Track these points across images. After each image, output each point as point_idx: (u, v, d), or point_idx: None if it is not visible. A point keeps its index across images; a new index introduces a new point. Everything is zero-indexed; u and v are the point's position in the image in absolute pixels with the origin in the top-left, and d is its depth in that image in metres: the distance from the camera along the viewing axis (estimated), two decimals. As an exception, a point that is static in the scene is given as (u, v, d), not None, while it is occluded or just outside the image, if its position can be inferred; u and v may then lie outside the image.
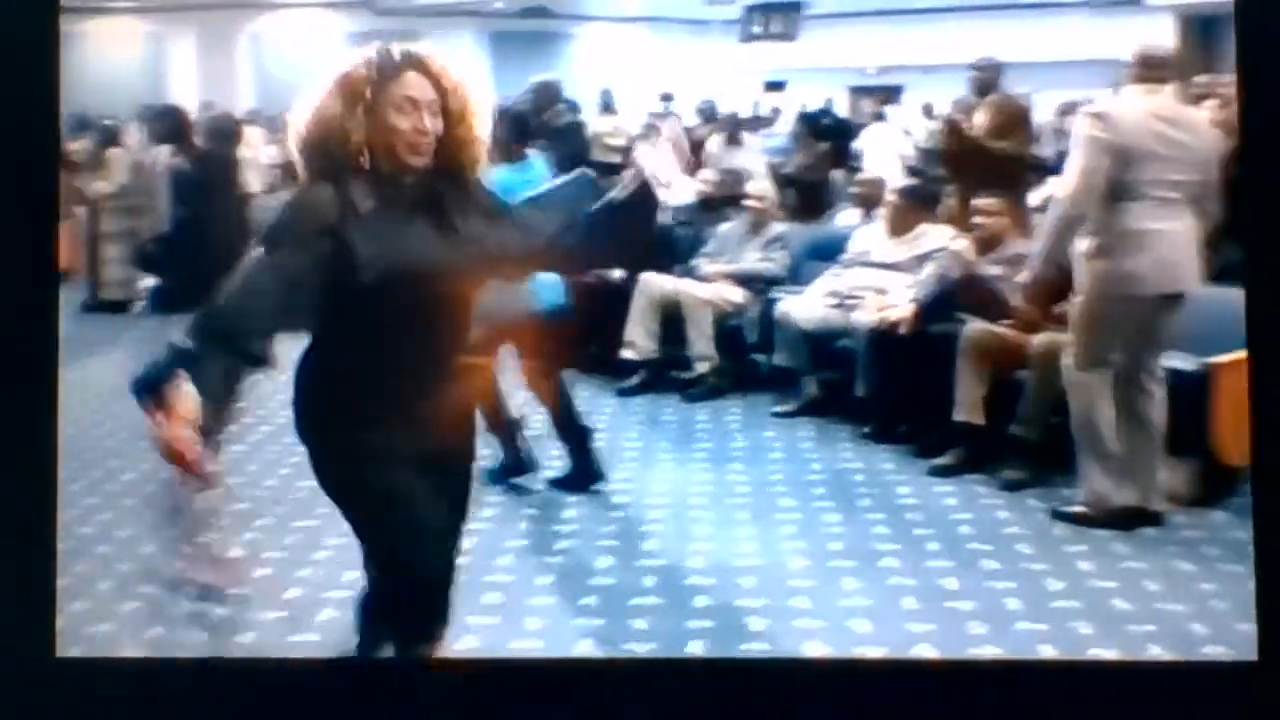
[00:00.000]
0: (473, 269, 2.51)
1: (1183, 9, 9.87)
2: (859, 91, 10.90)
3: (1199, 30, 10.03)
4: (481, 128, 2.52)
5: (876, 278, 5.55)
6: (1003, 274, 5.05)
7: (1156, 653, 3.46)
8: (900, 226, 5.66)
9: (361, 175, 2.42)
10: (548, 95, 7.15)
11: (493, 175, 4.66)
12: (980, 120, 5.84)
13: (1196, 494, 4.45)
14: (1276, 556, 2.97)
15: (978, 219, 5.30)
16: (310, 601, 3.78)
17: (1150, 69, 4.26)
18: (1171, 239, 4.21)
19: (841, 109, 10.43)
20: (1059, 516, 4.36)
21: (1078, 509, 4.33)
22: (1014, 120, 5.80)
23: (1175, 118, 4.26)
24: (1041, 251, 4.41)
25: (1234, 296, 4.89)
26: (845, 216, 6.68)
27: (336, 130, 2.43)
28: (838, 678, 3.12)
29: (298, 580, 3.95)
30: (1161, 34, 9.36)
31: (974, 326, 4.92)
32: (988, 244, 5.25)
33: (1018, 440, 4.72)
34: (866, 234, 5.86)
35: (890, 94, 10.36)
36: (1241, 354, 4.58)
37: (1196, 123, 4.38)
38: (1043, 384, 4.63)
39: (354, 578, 2.86)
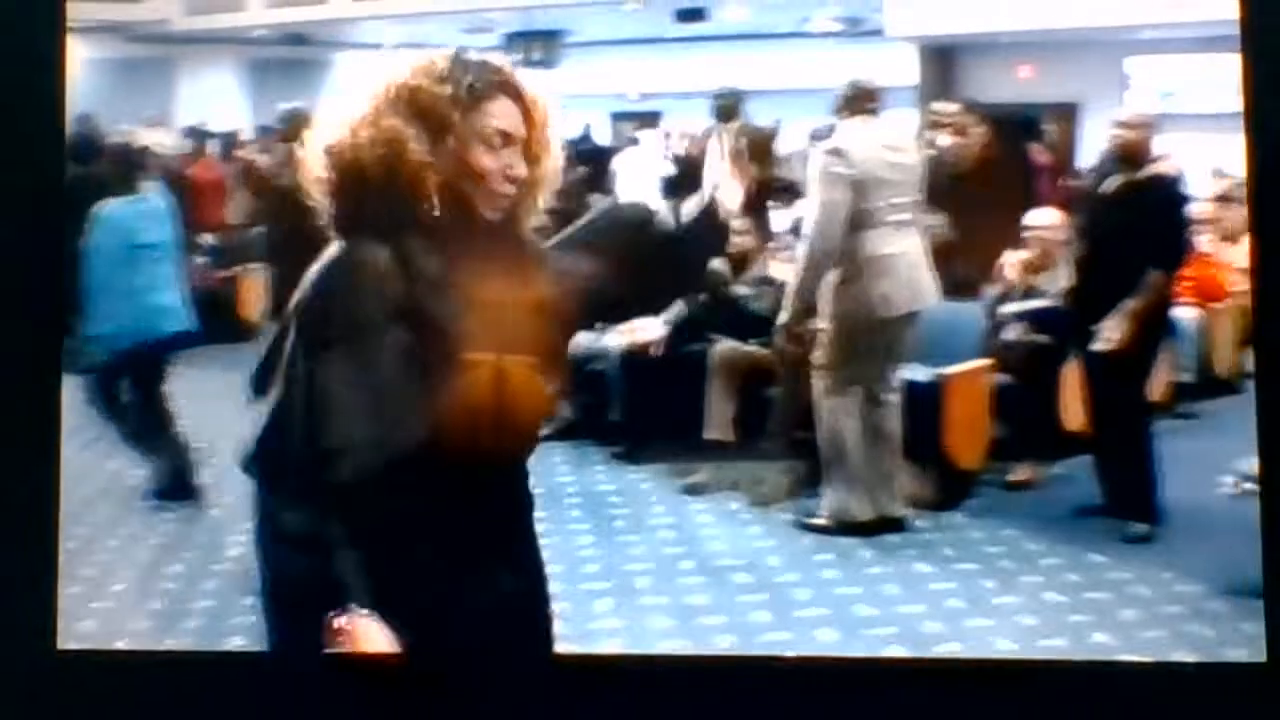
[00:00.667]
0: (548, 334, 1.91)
1: (922, 40, 10.35)
2: (620, 117, 11.01)
3: (936, 60, 10.55)
4: (556, 170, 1.93)
5: (629, 300, 5.59)
6: (753, 294, 5.19)
7: (893, 650, 3.58)
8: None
9: (420, 227, 1.78)
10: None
11: (104, 211, 4.58)
12: (725, 146, 5.97)
13: (934, 498, 4.65)
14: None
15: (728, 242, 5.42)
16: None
17: (864, 100, 4.47)
18: (910, 259, 4.42)
19: (605, 135, 10.53)
20: (803, 528, 4.48)
21: (820, 520, 4.46)
22: (757, 146, 5.97)
23: (897, 144, 4.48)
24: (798, 289, 4.50)
25: (961, 309, 5.21)
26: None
27: (407, 167, 1.77)
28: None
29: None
30: (904, 63, 9.81)
31: (723, 346, 5.02)
32: (739, 265, 5.37)
33: (768, 455, 4.83)
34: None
35: (650, 119, 10.51)
36: (971, 364, 4.87)
37: (911, 146, 4.63)
38: (789, 400, 4.76)
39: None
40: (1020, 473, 4.88)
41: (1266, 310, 2.93)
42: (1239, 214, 6.34)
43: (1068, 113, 9.42)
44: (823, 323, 4.47)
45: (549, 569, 4.12)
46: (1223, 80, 9.23)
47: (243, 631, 3.60)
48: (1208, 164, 7.64)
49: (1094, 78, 9.22)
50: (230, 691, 2.82)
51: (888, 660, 3.48)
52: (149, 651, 3.48)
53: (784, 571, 4.18)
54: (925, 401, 4.59)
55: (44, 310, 2.93)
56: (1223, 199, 6.66)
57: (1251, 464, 4.16)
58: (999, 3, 9.61)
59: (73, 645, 2.86)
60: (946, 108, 6.36)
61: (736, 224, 5.37)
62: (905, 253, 4.39)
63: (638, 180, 8.19)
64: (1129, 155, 4.69)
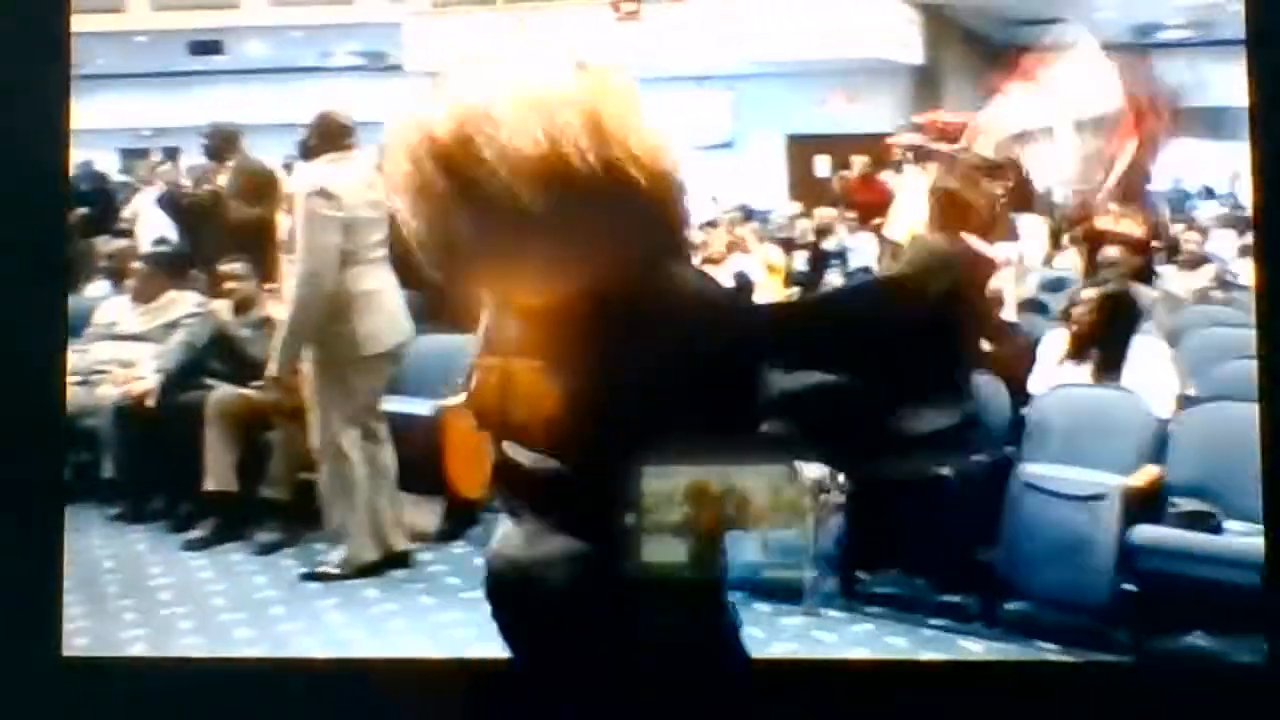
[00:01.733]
0: None
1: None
2: (131, 154, 10.46)
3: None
4: None
5: (123, 350, 5.33)
6: (252, 336, 5.07)
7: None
8: (147, 294, 5.48)
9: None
10: None
11: None
12: (224, 184, 5.82)
13: (441, 530, 4.72)
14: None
15: (227, 285, 5.27)
16: None
17: (340, 137, 4.49)
18: (391, 296, 4.47)
19: (114, 173, 9.96)
20: (311, 578, 4.42)
21: (329, 569, 4.42)
22: (257, 184, 5.85)
23: (375, 181, 4.51)
24: (288, 338, 4.39)
25: (451, 343, 5.33)
26: (98, 288, 6.35)
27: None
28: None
29: None
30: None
31: (221, 392, 4.88)
32: (240, 307, 5.23)
33: (270, 502, 4.74)
34: (112, 305, 5.62)
35: (168, 156, 10.04)
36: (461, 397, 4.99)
37: (380, 181, 4.69)
38: (289, 442, 4.70)
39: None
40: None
41: (1269, 312, 2.94)
42: (722, 237, 6.92)
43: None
44: (307, 365, 4.43)
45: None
46: (713, 113, 10.03)
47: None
48: (702, 191, 8.29)
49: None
50: (234, 699, 2.82)
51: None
52: (153, 659, 3.58)
53: (288, 620, 4.12)
54: (425, 434, 4.66)
55: (46, 317, 2.93)
56: (710, 224, 7.24)
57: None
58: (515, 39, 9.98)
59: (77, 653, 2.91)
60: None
61: (228, 268, 5.26)
62: (384, 289, 4.45)
63: (153, 222, 7.82)
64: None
